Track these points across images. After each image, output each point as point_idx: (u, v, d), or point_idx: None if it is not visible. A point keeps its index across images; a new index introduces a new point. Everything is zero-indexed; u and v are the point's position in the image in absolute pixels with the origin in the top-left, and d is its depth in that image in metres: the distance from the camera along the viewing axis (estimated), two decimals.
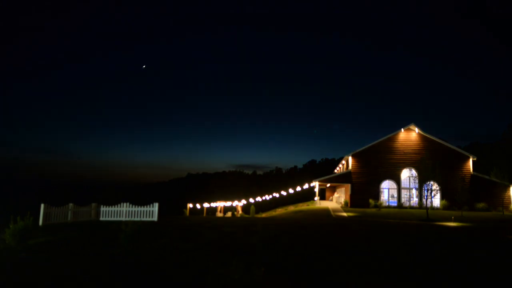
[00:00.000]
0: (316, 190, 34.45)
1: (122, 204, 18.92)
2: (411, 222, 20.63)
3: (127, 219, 17.87)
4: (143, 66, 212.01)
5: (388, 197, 32.41)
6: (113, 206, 18.96)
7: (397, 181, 32.26)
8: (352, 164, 32.90)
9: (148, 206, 18.79)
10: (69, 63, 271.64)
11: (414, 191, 32.19)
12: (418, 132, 32.97)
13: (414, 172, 31.68)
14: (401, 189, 32.22)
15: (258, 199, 38.47)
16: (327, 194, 50.69)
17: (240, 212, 36.24)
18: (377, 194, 31.68)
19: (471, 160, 32.24)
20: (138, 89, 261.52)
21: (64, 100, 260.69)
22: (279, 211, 38.17)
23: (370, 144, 33.22)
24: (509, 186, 30.98)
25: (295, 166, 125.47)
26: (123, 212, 18.72)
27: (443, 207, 30.12)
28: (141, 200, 22.23)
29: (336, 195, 42.68)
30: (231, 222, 18.11)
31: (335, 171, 47.20)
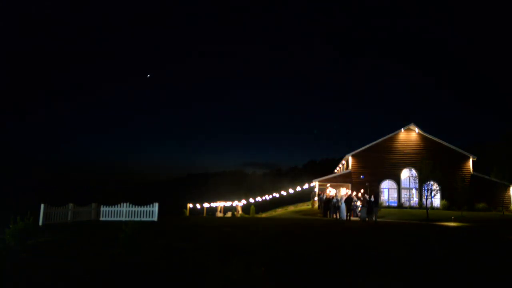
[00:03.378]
0: (316, 190, 34.43)
1: (122, 204, 18.93)
2: (411, 222, 20.64)
3: (127, 219, 17.88)
4: (148, 75, 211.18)
5: (388, 197, 32.41)
6: (113, 206, 18.96)
7: (397, 181, 32.25)
8: (352, 164, 32.90)
9: (148, 206, 18.79)
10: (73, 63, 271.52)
11: (414, 191, 32.16)
12: (418, 132, 32.96)
13: (414, 172, 31.66)
14: (401, 189, 32.20)
15: (258, 199, 38.44)
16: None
17: (240, 212, 36.23)
18: (377, 194, 31.66)
19: (471, 160, 32.21)
20: (138, 91, 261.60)
21: (64, 100, 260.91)
22: (279, 211, 38.17)
23: (370, 144, 33.20)
24: (509, 186, 30.95)
25: (295, 166, 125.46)
26: (123, 212, 18.72)
27: (443, 207, 30.09)
28: (141, 200, 22.23)
29: None
30: (231, 222, 18.12)
31: (335, 171, 47.19)
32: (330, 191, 31.27)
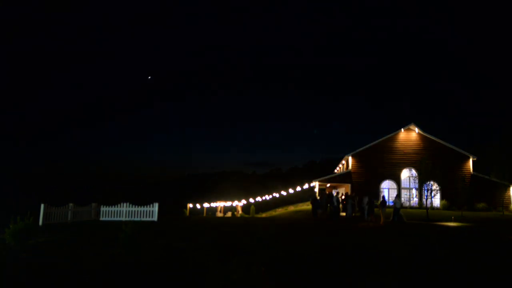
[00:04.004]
0: (316, 190, 34.42)
1: (122, 204, 18.92)
2: (412, 222, 20.63)
3: (127, 219, 17.88)
4: (149, 77, 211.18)
5: (388, 197, 32.38)
6: (113, 206, 18.96)
7: (397, 181, 32.24)
8: (352, 164, 32.89)
9: (148, 206, 18.78)
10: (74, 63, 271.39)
11: (414, 191, 32.15)
12: (418, 132, 32.95)
13: (414, 172, 31.66)
14: (401, 189, 32.17)
15: (258, 199, 38.46)
16: None
17: (240, 212, 36.23)
18: (377, 194, 31.64)
19: (471, 160, 32.20)
20: (138, 91, 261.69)
21: (64, 100, 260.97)
22: (279, 211, 38.15)
23: (370, 144, 33.19)
24: (509, 186, 30.95)
25: (295, 166, 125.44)
26: (123, 212, 18.72)
27: (443, 207, 30.08)
28: (141, 200, 22.23)
29: None
30: (231, 222, 18.13)
31: (335, 171, 47.17)
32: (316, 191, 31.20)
